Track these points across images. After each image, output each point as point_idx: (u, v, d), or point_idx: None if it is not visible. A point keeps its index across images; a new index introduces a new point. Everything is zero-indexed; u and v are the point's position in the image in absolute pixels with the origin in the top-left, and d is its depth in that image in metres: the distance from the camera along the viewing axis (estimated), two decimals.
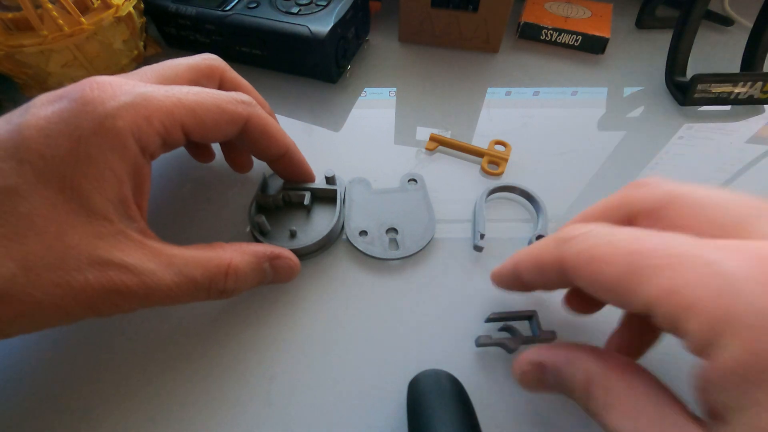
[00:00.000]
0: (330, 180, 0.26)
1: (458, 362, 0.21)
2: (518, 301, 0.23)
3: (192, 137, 0.19)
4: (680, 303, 0.11)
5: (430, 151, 0.30)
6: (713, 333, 0.11)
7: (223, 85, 0.23)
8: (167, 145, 0.19)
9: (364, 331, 0.22)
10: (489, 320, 0.22)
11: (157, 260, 0.17)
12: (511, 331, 0.21)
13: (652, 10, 0.40)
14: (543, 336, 0.21)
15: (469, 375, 0.20)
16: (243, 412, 0.20)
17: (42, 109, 0.16)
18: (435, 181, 0.28)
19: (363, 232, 0.25)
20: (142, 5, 0.33)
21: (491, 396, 0.20)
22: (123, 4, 0.30)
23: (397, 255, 0.24)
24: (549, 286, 0.17)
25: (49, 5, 0.26)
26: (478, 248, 0.25)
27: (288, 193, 0.25)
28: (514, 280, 0.19)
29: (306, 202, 0.25)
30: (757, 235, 0.12)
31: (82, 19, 0.27)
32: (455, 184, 0.28)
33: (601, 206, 0.18)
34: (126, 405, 0.20)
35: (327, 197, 0.26)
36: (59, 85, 0.30)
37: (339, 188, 0.25)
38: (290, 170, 0.24)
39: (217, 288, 0.19)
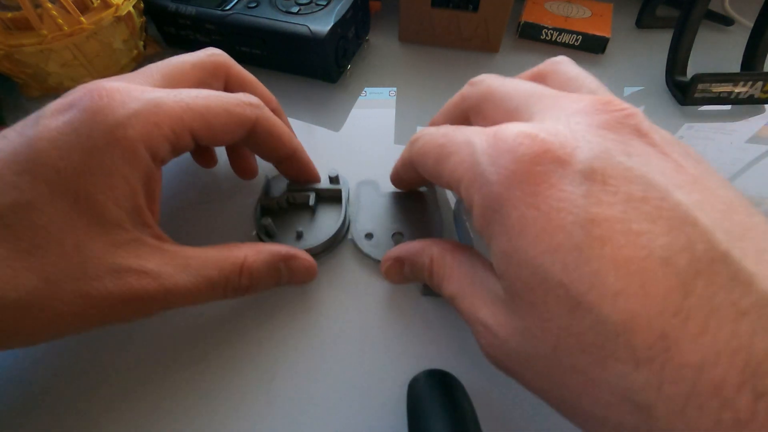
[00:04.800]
0: (334, 180, 0.25)
1: (458, 362, 0.21)
2: None
3: (201, 141, 0.19)
4: (456, 178, 0.16)
5: None
6: (469, 195, 0.15)
7: (229, 80, 0.23)
8: (176, 150, 0.19)
9: (364, 330, 0.22)
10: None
11: (174, 263, 0.17)
12: None
13: (653, 9, 0.40)
14: None
15: (469, 375, 0.20)
16: (243, 411, 0.20)
17: (53, 119, 0.16)
18: None
19: (369, 235, 0.25)
20: (142, 5, 0.33)
21: (491, 396, 0.20)
22: (123, 3, 0.30)
23: None
24: (416, 179, 0.21)
25: (49, 5, 0.26)
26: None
27: (292, 195, 0.25)
28: (399, 180, 0.24)
29: (311, 203, 0.25)
30: (523, 117, 0.16)
31: (82, 19, 0.27)
32: None
33: (445, 108, 0.21)
34: (124, 405, 0.20)
35: (332, 197, 0.26)
36: (59, 84, 0.30)
37: (343, 188, 0.25)
38: (296, 172, 0.25)
39: (233, 286, 0.19)
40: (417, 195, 0.26)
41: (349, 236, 0.25)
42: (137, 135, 0.16)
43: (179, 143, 0.18)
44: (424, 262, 0.19)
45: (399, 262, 0.21)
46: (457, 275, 0.17)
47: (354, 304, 0.23)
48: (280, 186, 0.25)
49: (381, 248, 0.24)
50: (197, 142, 0.19)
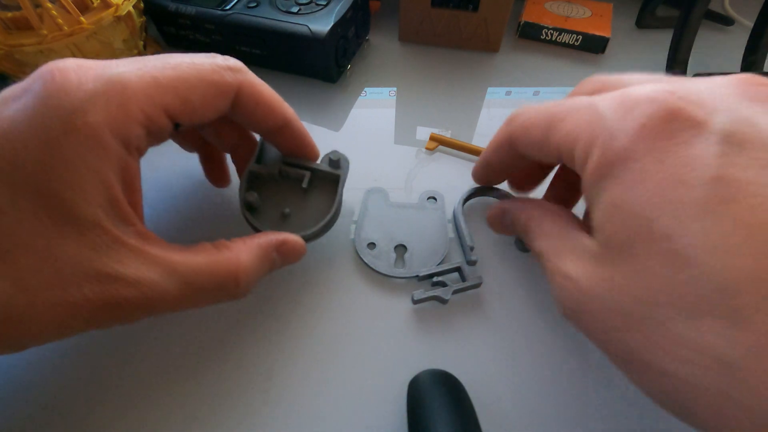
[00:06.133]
0: (334, 163, 0.23)
1: (458, 362, 0.21)
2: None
3: (180, 120, 0.17)
4: (572, 139, 0.16)
5: (430, 150, 0.30)
6: (586, 152, 0.15)
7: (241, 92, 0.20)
8: (153, 135, 0.17)
9: (364, 332, 0.22)
10: (421, 278, 0.23)
11: (159, 269, 0.16)
12: (442, 284, 0.23)
13: (653, 9, 0.40)
14: (471, 282, 0.23)
15: (468, 375, 0.20)
16: (241, 411, 0.20)
17: (4, 107, 0.14)
18: (435, 181, 0.28)
19: (371, 244, 0.25)
20: (142, 5, 0.33)
21: (491, 396, 0.20)
22: (123, 3, 0.29)
23: (402, 274, 0.24)
24: (508, 163, 0.21)
25: (49, 4, 0.26)
26: (471, 263, 0.24)
27: (286, 169, 0.23)
28: (486, 169, 0.23)
29: (304, 185, 0.22)
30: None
31: (82, 19, 0.27)
32: (455, 184, 0.28)
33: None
34: (121, 406, 0.20)
35: (328, 181, 0.23)
36: None
37: (342, 174, 0.23)
38: (291, 145, 0.22)
39: (229, 294, 0.18)
40: (425, 210, 0.26)
41: (351, 236, 0.25)
42: (100, 121, 0.14)
43: (154, 126, 0.16)
44: (521, 218, 0.20)
45: (503, 212, 0.22)
46: (548, 233, 0.18)
47: (354, 306, 0.23)
48: (275, 153, 0.23)
49: (382, 259, 0.24)
50: (176, 121, 0.17)
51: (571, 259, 0.16)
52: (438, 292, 0.22)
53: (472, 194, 0.27)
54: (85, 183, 0.14)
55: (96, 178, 0.15)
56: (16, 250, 0.14)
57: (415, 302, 0.22)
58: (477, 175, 0.24)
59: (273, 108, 0.20)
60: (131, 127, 0.15)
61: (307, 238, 0.22)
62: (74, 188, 0.14)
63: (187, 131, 0.24)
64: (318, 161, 0.24)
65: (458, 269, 0.23)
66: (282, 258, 0.20)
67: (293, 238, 0.21)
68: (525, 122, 0.19)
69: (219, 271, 0.17)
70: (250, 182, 0.22)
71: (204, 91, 0.17)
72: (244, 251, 0.18)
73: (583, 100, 0.16)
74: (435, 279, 0.23)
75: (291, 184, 0.23)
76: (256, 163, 0.23)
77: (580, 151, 0.15)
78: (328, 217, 0.22)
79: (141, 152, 0.17)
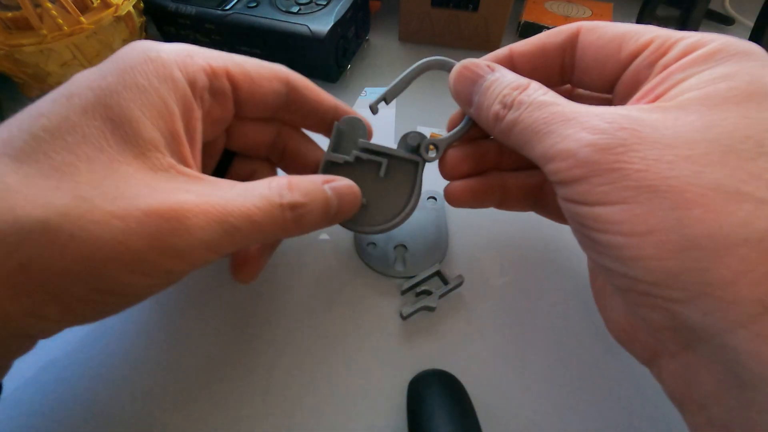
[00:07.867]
0: (413, 148, 0.22)
1: (458, 363, 0.21)
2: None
3: (240, 88, 0.19)
4: (552, 156, 0.15)
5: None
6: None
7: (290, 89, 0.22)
8: (215, 91, 0.18)
9: (364, 331, 0.22)
10: (404, 293, 0.23)
11: (218, 185, 0.16)
12: (426, 292, 0.23)
13: (653, 9, 0.40)
14: (454, 283, 0.23)
15: (468, 375, 0.20)
16: (241, 411, 0.20)
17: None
18: (435, 181, 0.28)
19: (371, 244, 0.25)
20: (142, 4, 0.33)
21: (491, 396, 0.20)
22: (122, 3, 0.29)
23: (401, 274, 0.24)
24: (557, 61, 0.21)
25: (49, 4, 0.26)
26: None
27: (362, 156, 0.22)
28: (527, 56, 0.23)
29: (381, 173, 0.21)
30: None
31: (82, 19, 0.27)
32: None
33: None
34: (118, 404, 0.20)
35: (405, 166, 0.22)
36: (58, 84, 0.30)
37: (421, 161, 0.22)
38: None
39: (289, 205, 0.17)
40: (425, 210, 0.26)
41: (351, 236, 0.25)
42: (171, 58, 0.17)
43: (216, 81, 0.18)
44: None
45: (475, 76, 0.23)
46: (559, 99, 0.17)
47: (354, 306, 0.23)
48: (352, 140, 0.22)
49: (382, 260, 0.24)
50: (236, 88, 0.19)
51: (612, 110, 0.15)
52: (424, 302, 0.22)
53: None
54: (152, 106, 0.16)
55: (162, 104, 0.16)
56: (79, 163, 0.14)
57: (404, 318, 0.22)
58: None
59: (324, 94, 0.23)
60: (196, 71, 0.17)
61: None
62: (141, 108, 0.15)
63: None
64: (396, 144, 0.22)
65: (438, 273, 0.23)
66: (338, 198, 0.19)
67: (339, 177, 0.20)
68: (602, 25, 0.18)
69: (273, 183, 0.17)
70: (328, 172, 0.21)
71: (259, 68, 0.20)
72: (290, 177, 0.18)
73: (567, 120, 0.15)
74: (419, 289, 0.23)
75: (367, 171, 0.22)
76: (333, 151, 0.22)
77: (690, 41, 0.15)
78: (408, 209, 0.21)
79: (204, 103, 0.18)
